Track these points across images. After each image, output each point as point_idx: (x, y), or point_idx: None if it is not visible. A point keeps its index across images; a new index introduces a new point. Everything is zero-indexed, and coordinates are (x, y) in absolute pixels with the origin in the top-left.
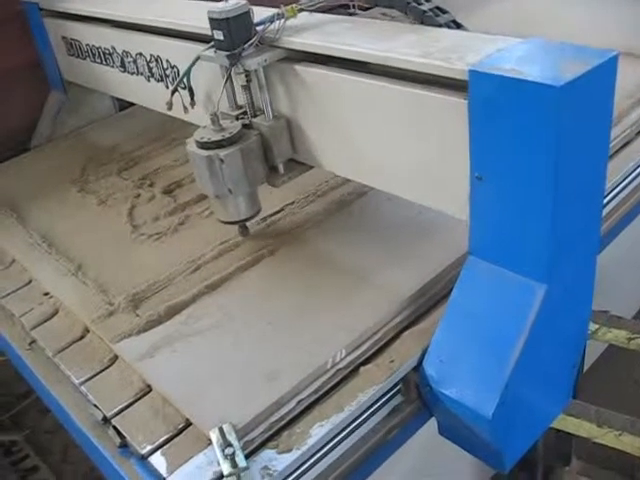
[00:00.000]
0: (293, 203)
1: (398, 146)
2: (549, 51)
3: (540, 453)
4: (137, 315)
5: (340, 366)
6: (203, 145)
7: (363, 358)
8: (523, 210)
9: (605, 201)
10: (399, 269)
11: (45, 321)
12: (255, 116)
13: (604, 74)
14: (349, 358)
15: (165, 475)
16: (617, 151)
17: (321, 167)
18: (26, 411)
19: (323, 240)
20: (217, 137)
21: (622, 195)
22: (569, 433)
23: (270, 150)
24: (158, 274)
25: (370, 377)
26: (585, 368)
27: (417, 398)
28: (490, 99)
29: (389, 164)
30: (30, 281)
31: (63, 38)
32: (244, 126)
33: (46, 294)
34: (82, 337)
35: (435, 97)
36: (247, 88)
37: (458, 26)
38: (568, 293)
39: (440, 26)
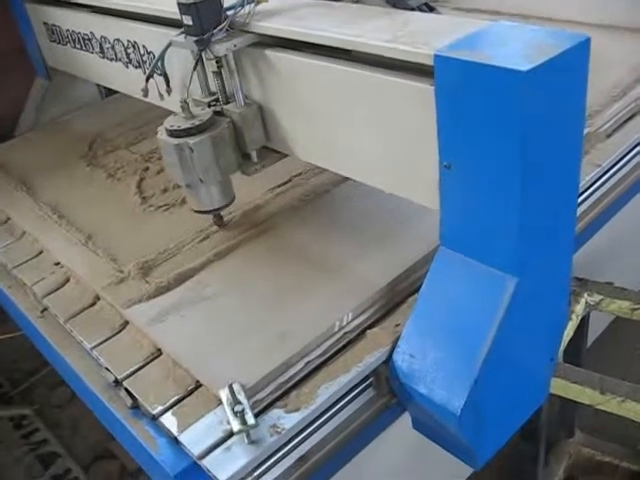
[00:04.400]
0: (300, 174)
1: (368, 133)
2: (519, 35)
3: (543, 425)
4: (147, 282)
5: (347, 329)
6: (172, 133)
7: (370, 322)
8: (492, 200)
9: (610, 174)
10: (406, 237)
11: (56, 289)
12: (227, 103)
13: (575, 58)
14: (356, 322)
15: (176, 434)
16: (621, 124)
17: (294, 155)
18: (36, 387)
19: (331, 210)
20: (187, 125)
21: (628, 168)
22: (572, 400)
23: (242, 138)
24: (167, 243)
25: (377, 340)
26: (590, 342)
27: (389, 392)
28: (456, 85)
29: (359, 152)
30: (41, 252)
31: (44, 24)
32: (216, 113)
33: (57, 264)
34: (93, 304)
35: (403, 83)
36: (218, 74)
37: (431, 9)
38: (542, 286)
39: (412, 9)
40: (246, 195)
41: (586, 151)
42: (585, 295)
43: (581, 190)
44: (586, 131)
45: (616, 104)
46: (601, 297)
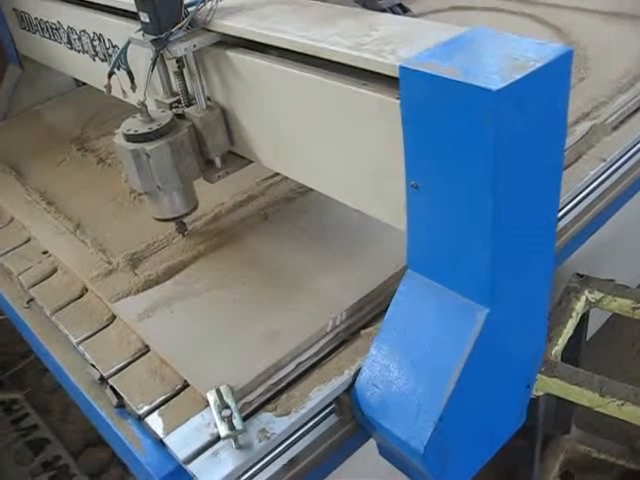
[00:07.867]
0: None
1: (332, 145)
2: (495, 45)
3: (540, 421)
4: (135, 275)
5: (340, 329)
6: (129, 138)
7: (364, 321)
8: (461, 224)
9: (615, 167)
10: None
11: (43, 280)
12: (190, 105)
13: (555, 73)
14: (350, 321)
15: (162, 436)
16: (628, 116)
17: (258, 162)
18: (26, 370)
19: (322, 201)
20: (144, 129)
21: (633, 161)
22: (571, 402)
23: (204, 143)
24: (157, 234)
25: (371, 340)
26: (588, 336)
27: (352, 419)
28: (423, 100)
29: (323, 164)
30: (29, 239)
31: (14, 10)
32: (178, 116)
33: (45, 252)
34: (80, 296)
35: (367, 94)
36: (179, 75)
37: (404, 10)
38: (517, 315)
39: (384, 11)
40: (238, 185)
41: (591, 145)
42: (586, 292)
43: (585, 185)
44: (592, 123)
45: (623, 95)
46: (602, 295)
